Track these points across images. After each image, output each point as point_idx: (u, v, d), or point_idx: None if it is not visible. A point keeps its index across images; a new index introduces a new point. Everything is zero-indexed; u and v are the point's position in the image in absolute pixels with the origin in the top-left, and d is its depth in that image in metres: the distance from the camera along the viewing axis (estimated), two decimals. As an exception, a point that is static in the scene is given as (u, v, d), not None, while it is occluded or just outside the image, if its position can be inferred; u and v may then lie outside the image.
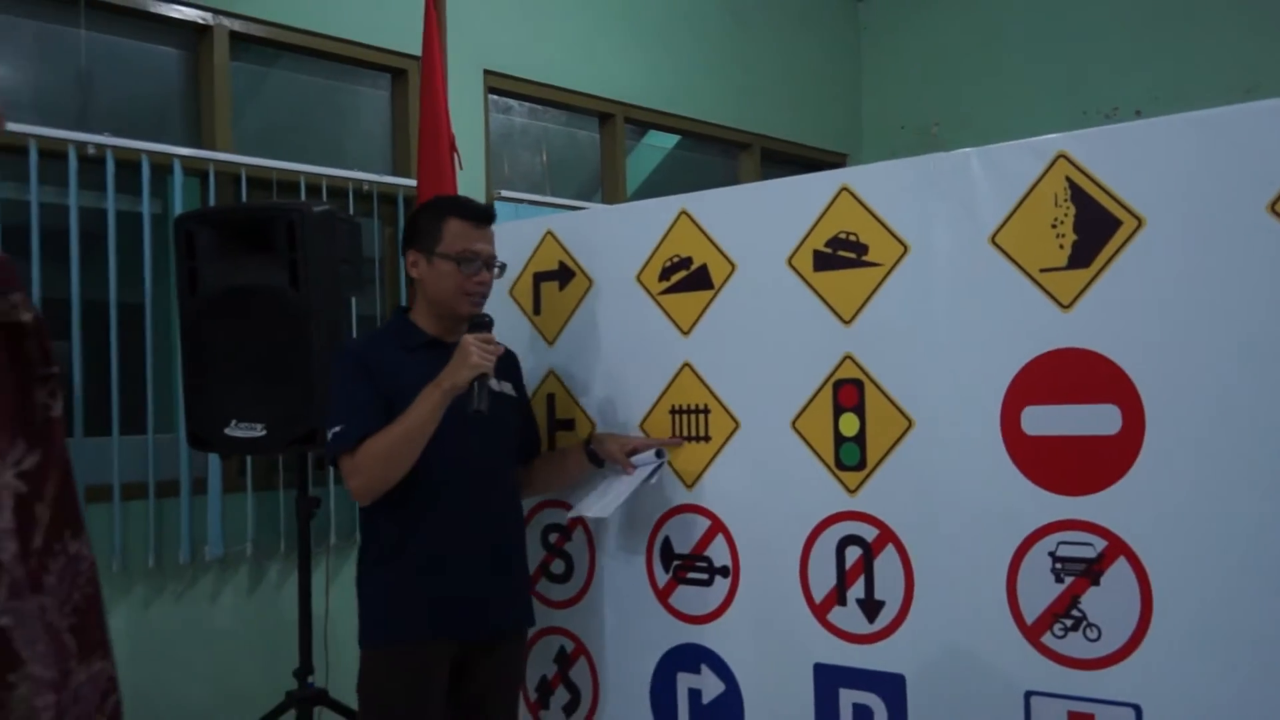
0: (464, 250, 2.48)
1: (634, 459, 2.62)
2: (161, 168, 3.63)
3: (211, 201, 3.75)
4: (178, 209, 3.55)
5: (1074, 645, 2.10)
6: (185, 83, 3.95)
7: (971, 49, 5.95)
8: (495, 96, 4.80)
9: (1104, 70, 5.48)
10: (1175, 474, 2.00)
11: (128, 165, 3.54)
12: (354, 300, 3.80)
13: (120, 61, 3.81)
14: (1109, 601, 2.07)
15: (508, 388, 2.62)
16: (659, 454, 2.63)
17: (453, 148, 3.51)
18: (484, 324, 2.43)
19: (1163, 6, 5.32)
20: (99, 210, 3.50)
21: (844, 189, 2.39)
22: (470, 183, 4.24)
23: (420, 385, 2.33)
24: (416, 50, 3.91)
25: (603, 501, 2.61)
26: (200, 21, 3.86)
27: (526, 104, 5.00)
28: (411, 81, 4.37)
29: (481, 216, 2.55)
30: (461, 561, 2.44)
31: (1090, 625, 2.09)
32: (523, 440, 2.72)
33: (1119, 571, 2.06)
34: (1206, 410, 1.97)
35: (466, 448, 2.44)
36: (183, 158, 3.66)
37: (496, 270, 2.55)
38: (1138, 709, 2.04)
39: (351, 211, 4.01)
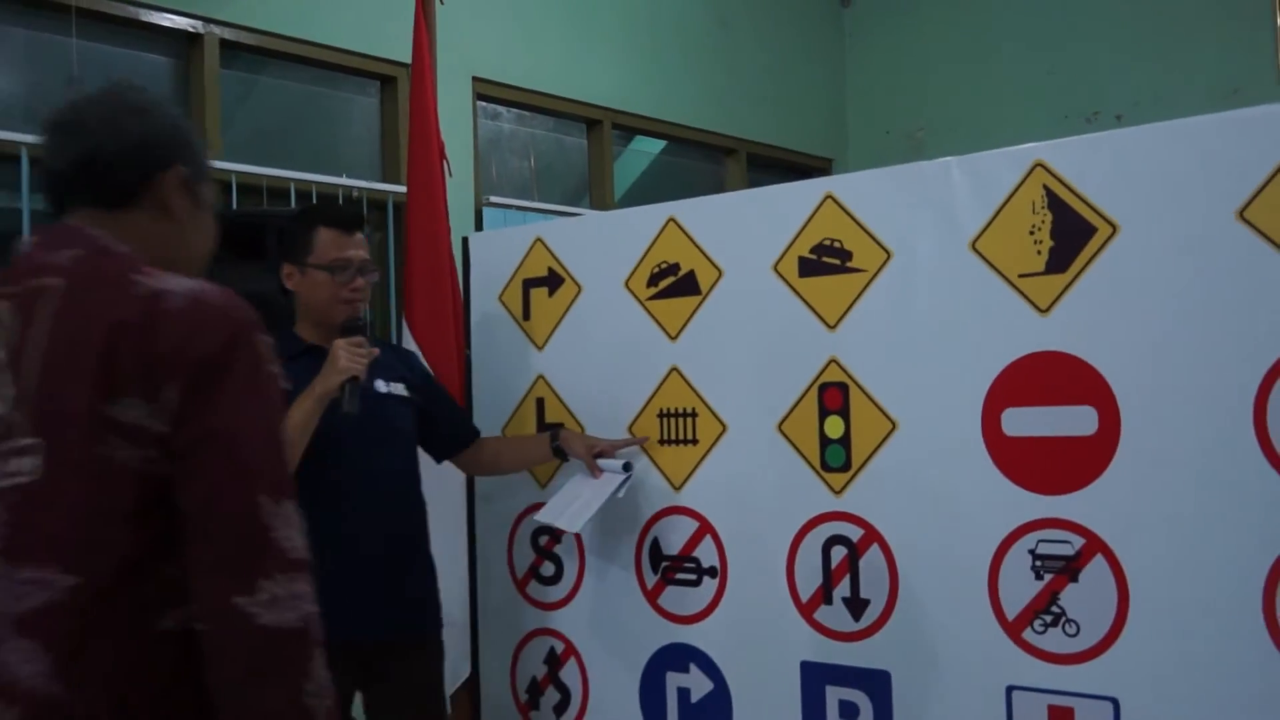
0: (335, 259, 2.50)
1: (601, 464, 2.66)
2: (153, 176, 3.66)
3: (203, 209, 3.77)
4: (169, 216, 3.56)
5: (1054, 640, 2.16)
6: (175, 90, 3.98)
7: (956, 54, 6.00)
8: (484, 103, 4.84)
9: (1086, 75, 5.53)
10: (1150, 473, 2.06)
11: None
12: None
13: (111, 69, 3.83)
14: (1087, 598, 2.12)
15: (398, 388, 2.60)
16: (627, 467, 2.67)
17: (442, 154, 3.55)
18: (356, 328, 2.44)
19: (1145, 11, 5.38)
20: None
21: (828, 197, 2.44)
22: (459, 188, 4.27)
23: (298, 393, 2.33)
24: (405, 57, 3.94)
25: (570, 512, 2.65)
26: (190, 30, 3.89)
27: (514, 110, 5.04)
28: (401, 88, 4.40)
29: (350, 223, 2.56)
30: (348, 564, 2.39)
31: (1069, 621, 2.14)
32: (444, 433, 2.75)
33: (1096, 568, 2.11)
34: (1180, 411, 2.03)
35: (350, 451, 2.44)
36: (174, 166, 3.68)
37: (372, 275, 2.56)
38: (1115, 702, 2.09)
39: (342, 218, 4.03)
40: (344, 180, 4.18)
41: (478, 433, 2.83)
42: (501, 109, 4.99)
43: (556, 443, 2.71)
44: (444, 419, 2.76)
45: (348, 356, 2.34)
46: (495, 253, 3.04)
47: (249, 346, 1.31)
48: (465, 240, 3.13)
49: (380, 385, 2.48)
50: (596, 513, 2.64)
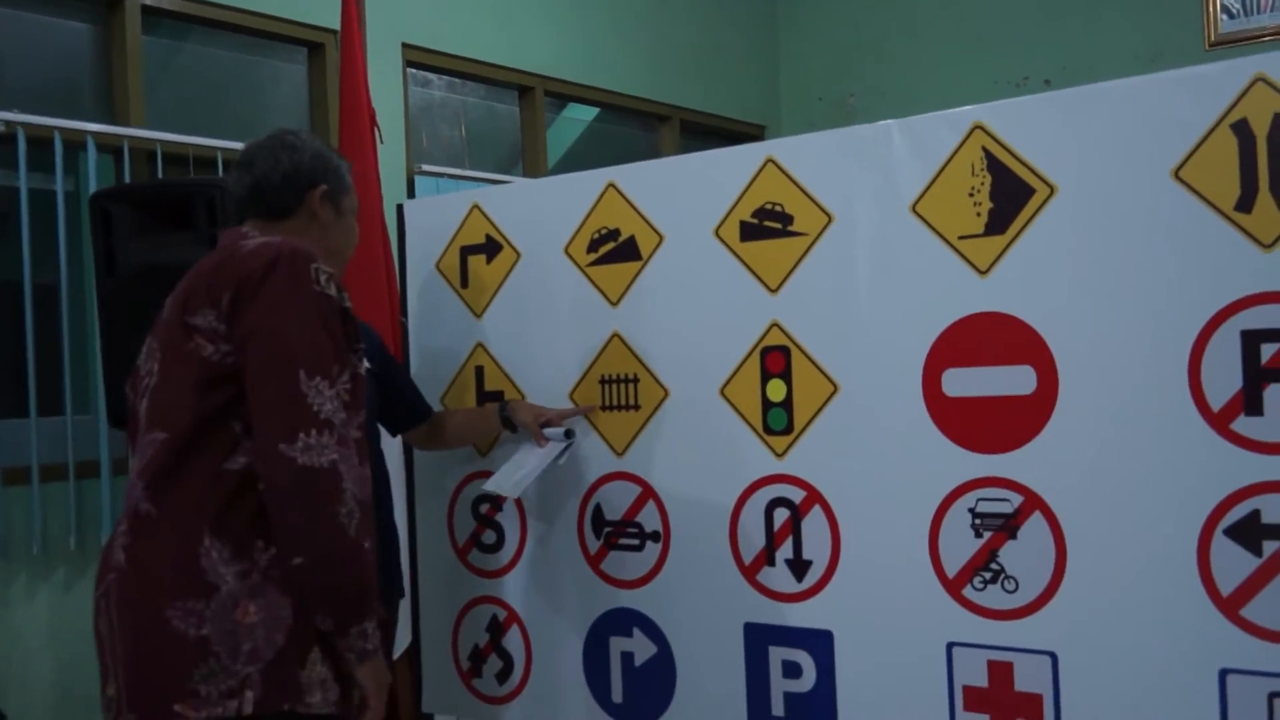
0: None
1: (546, 432, 2.66)
2: (74, 144, 3.56)
3: (127, 178, 3.69)
4: (92, 186, 3.49)
5: (993, 597, 2.19)
6: (97, 58, 3.87)
7: (886, 21, 6.04)
8: (414, 70, 4.78)
9: (1014, 41, 5.60)
10: (1087, 431, 2.09)
11: (40, 142, 3.47)
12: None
13: (29, 37, 3.72)
14: (1025, 554, 2.16)
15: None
16: (568, 434, 2.67)
17: (373, 122, 3.50)
18: None
19: (1070, -21, 5.45)
20: (11, 189, 3.43)
21: (769, 160, 2.44)
22: (390, 157, 4.22)
23: None
24: (333, 24, 3.87)
25: (514, 479, 2.65)
26: (111, -6, 3.78)
27: (445, 77, 4.98)
28: (329, 55, 4.33)
29: None
30: None
31: (1008, 578, 2.17)
32: (402, 407, 2.76)
33: (1035, 526, 2.14)
34: (1116, 369, 2.06)
35: None
36: (96, 134, 3.59)
37: None
38: (1054, 656, 2.13)
39: (271, 186, 3.96)
40: (273, 148, 4.10)
41: (430, 409, 2.82)
42: (432, 76, 4.93)
43: (505, 413, 2.70)
44: (401, 393, 2.75)
45: None
46: (431, 220, 3.00)
47: (289, 267, 1.79)
48: (400, 208, 3.09)
49: None
50: (535, 479, 2.64)
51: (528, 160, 5.29)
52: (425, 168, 4.66)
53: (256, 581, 1.74)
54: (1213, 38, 5.04)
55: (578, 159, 5.57)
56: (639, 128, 5.93)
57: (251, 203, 2.04)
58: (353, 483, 1.74)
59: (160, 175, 3.74)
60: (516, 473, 2.66)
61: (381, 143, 3.54)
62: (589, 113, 5.75)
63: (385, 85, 4.38)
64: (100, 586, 1.83)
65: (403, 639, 3.05)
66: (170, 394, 1.81)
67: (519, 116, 5.30)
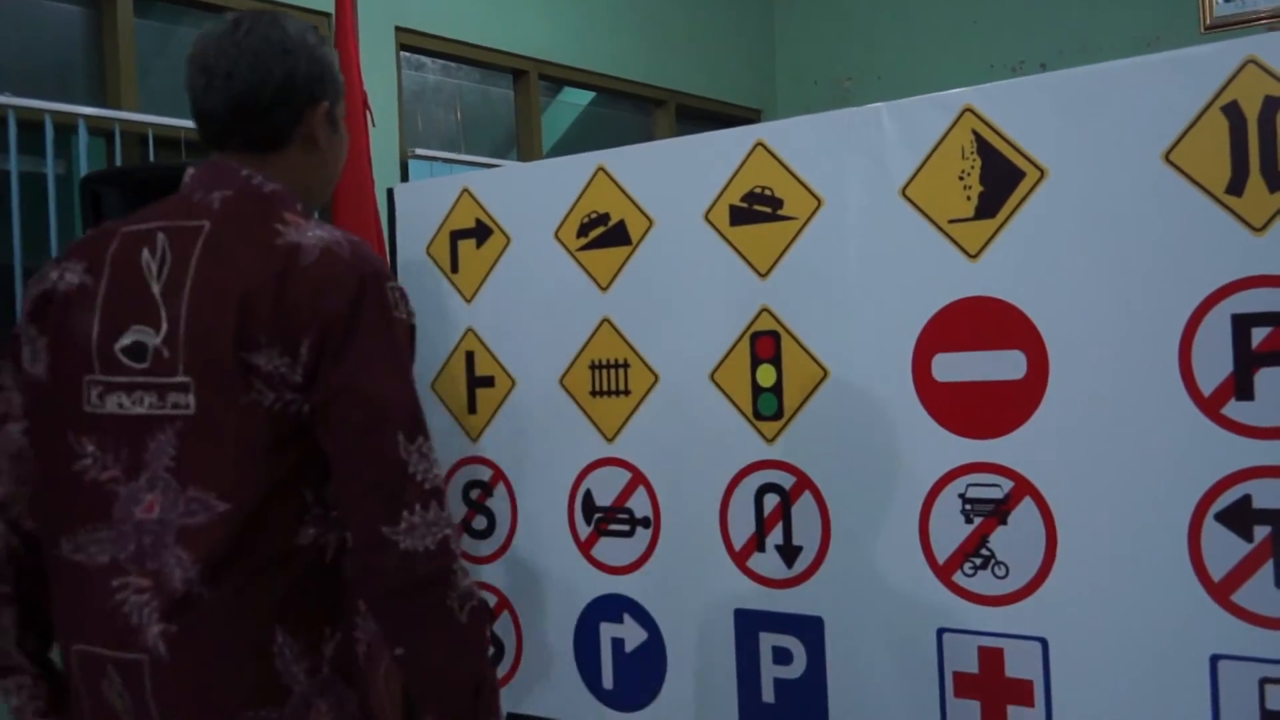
0: None
1: None
2: (65, 127, 3.55)
3: (118, 162, 3.67)
4: (83, 169, 3.47)
5: (983, 583, 2.18)
6: (88, 40, 3.85)
7: (882, 5, 6.01)
8: (407, 54, 4.75)
9: (1010, 25, 5.57)
10: (1077, 416, 2.08)
11: (30, 125, 3.46)
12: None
13: (20, 19, 3.70)
14: (1016, 540, 2.15)
15: None
16: None
17: (365, 105, 3.48)
18: None
19: (1066, -37, 5.42)
20: (1, 171, 3.42)
21: (759, 144, 2.42)
22: (383, 141, 4.20)
23: None
24: (325, 7, 3.85)
25: None
26: (102, -23, 3.76)
27: (439, 61, 4.96)
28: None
29: None
30: None
31: (998, 563, 2.17)
32: None
33: (1025, 511, 2.14)
34: (1106, 354, 2.05)
35: None
36: (87, 117, 3.57)
37: None
38: (1044, 642, 2.12)
39: (263, 171, 3.95)
40: (265, 132, 4.08)
41: None
42: (426, 60, 4.90)
43: None
44: None
45: None
46: (421, 204, 2.98)
47: (376, 297, 1.46)
48: (390, 192, 3.07)
49: None
50: None
51: (522, 145, 5.27)
52: (419, 152, 4.64)
53: (326, 675, 1.50)
54: (1208, 21, 5.01)
55: (573, 143, 5.55)
56: (634, 112, 5.91)
57: (234, 128, 1.56)
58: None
59: (152, 158, 3.73)
60: None
61: (373, 125, 3.52)
62: (584, 97, 5.73)
63: (378, 69, 4.36)
64: (106, 656, 1.48)
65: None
66: (228, 452, 1.44)
67: (514, 100, 5.28)
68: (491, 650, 2.83)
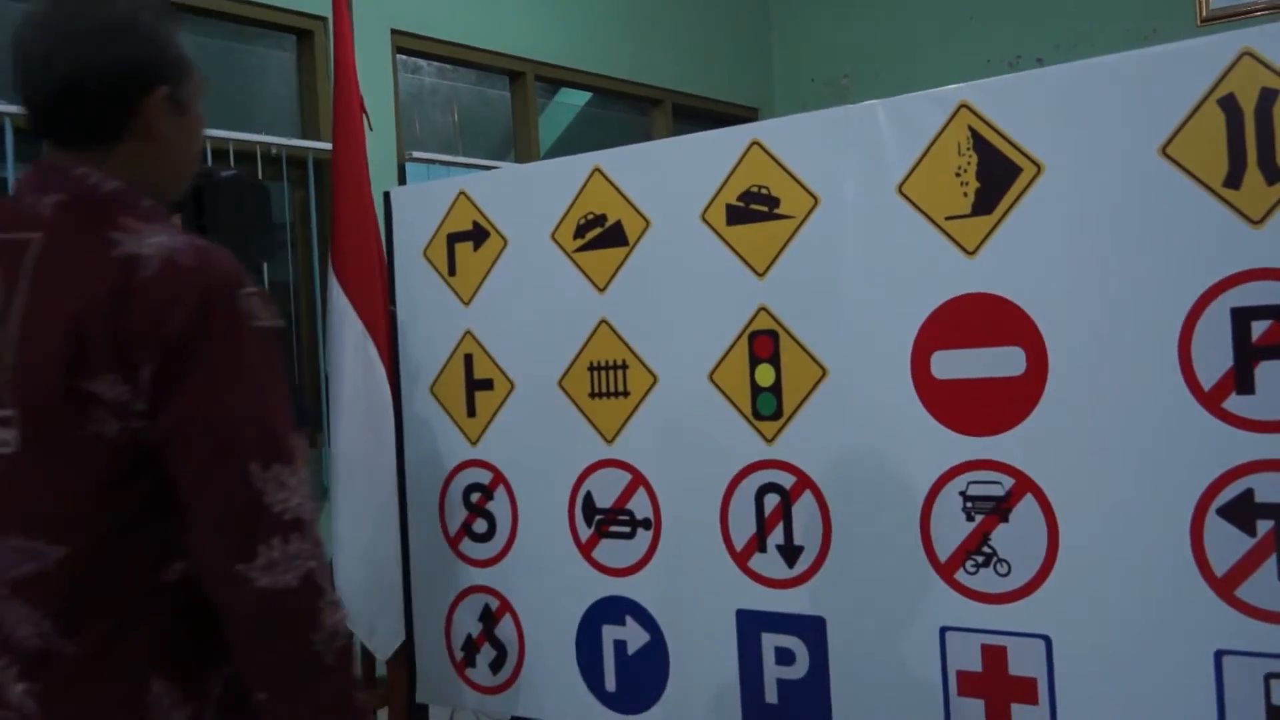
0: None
1: None
2: (61, 135, 3.54)
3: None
4: (80, 177, 3.46)
5: (985, 581, 2.17)
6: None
7: (879, 1, 6.00)
8: (404, 56, 4.75)
9: (1007, 20, 5.57)
10: (1077, 412, 2.07)
11: (28, 133, 3.45)
12: (265, 266, 3.75)
13: (13, 24, 3.70)
14: (1017, 537, 2.14)
15: None
16: None
17: (362, 108, 3.47)
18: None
19: (1063, -45, 5.41)
20: (-2, 180, 3.42)
21: (754, 143, 2.42)
22: (381, 144, 4.19)
23: None
24: (322, 11, 3.85)
25: None
26: (95, -16, 3.76)
27: (436, 64, 4.95)
28: (318, 43, 4.30)
29: None
30: None
31: (1000, 561, 2.16)
32: None
33: (1026, 508, 2.13)
34: (1106, 349, 2.04)
35: None
36: (82, 125, 3.57)
37: None
38: (1048, 639, 2.11)
39: (260, 176, 3.95)
40: (261, 137, 4.09)
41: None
42: (422, 62, 4.90)
43: None
44: None
45: None
46: (418, 207, 2.98)
47: (223, 310, 1.30)
48: (386, 195, 3.07)
49: None
50: None
51: (520, 146, 5.26)
52: (416, 154, 4.64)
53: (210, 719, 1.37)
54: (1204, 14, 5.01)
55: (570, 144, 5.55)
56: (632, 112, 5.91)
57: (60, 121, 1.38)
58: (330, 586, 1.35)
59: (148, 166, 3.73)
60: None
61: (371, 129, 3.52)
62: (581, 97, 5.73)
63: (375, 72, 4.36)
64: None
65: (395, 638, 3.04)
66: (56, 492, 1.30)
67: (510, 102, 5.27)
68: (494, 654, 2.84)
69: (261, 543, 1.28)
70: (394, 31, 4.58)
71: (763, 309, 2.41)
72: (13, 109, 3.40)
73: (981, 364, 2.16)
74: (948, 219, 2.18)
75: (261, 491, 1.29)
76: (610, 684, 2.66)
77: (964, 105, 2.16)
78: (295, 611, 1.30)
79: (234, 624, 1.31)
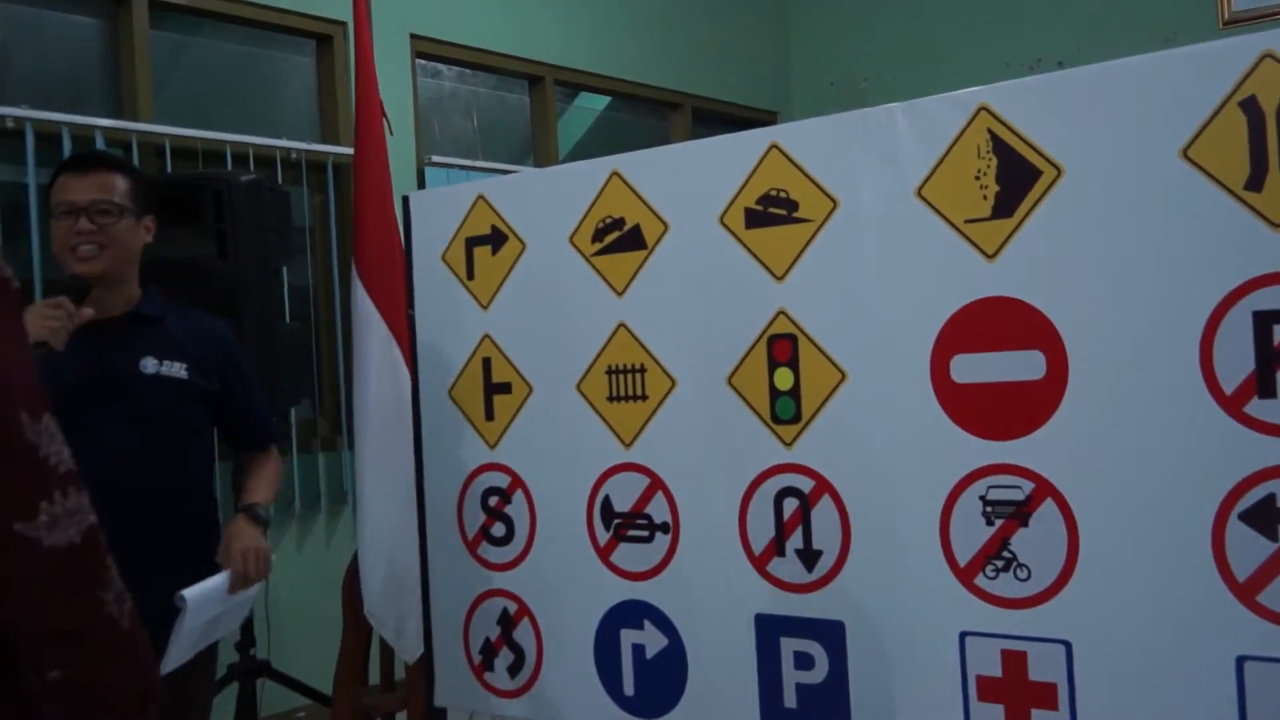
0: (58, 202, 2.29)
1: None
2: (83, 139, 3.57)
3: (136, 173, 3.69)
4: (101, 182, 3.48)
5: (1005, 585, 2.16)
6: (105, 52, 3.88)
7: (897, 4, 5.99)
8: (423, 61, 4.76)
9: (1027, 22, 5.55)
10: (1098, 416, 2.06)
11: (48, 138, 3.48)
12: (285, 270, 3.77)
13: (37, 32, 3.72)
14: (1037, 542, 2.13)
15: (175, 368, 2.41)
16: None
17: (382, 114, 3.48)
18: (69, 287, 2.22)
19: (1083, -42, 5.39)
20: (20, 185, 3.44)
21: (773, 146, 2.41)
22: (400, 149, 4.21)
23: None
24: (341, 16, 3.87)
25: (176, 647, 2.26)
26: (117, -10, 3.78)
27: (455, 68, 4.97)
28: (337, 47, 4.31)
29: (77, 165, 2.31)
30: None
31: (1020, 565, 2.15)
32: (228, 430, 2.65)
33: (1046, 512, 2.12)
34: (1126, 352, 2.03)
35: (86, 429, 2.16)
36: (105, 129, 3.60)
37: (109, 214, 2.30)
38: (1068, 645, 2.10)
39: (279, 180, 3.97)
40: (281, 142, 4.11)
41: (263, 443, 2.71)
42: (442, 67, 4.91)
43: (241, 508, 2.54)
44: (231, 414, 2.61)
45: (38, 318, 2.09)
46: (437, 211, 2.99)
47: None
48: (405, 199, 3.08)
49: (148, 364, 2.33)
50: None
51: (539, 150, 5.27)
52: (435, 159, 4.65)
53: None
54: (1226, 16, 4.98)
55: (589, 148, 5.55)
56: (651, 116, 5.91)
57: None
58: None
59: (169, 170, 3.75)
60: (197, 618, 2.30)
61: (391, 134, 3.53)
62: (600, 102, 5.73)
63: (394, 77, 4.38)
64: None
65: (416, 648, 3.05)
66: None
67: (529, 106, 5.28)
68: (512, 658, 2.84)
69: (44, 498, 1.16)
70: (413, 36, 4.60)
71: (781, 312, 2.41)
72: (33, 114, 3.42)
73: (1001, 368, 2.15)
74: (967, 222, 2.18)
75: (35, 444, 1.18)
76: (628, 688, 2.66)
77: (983, 108, 2.15)
78: (83, 569, 1.19)
79: (20, 588, 1.17)
